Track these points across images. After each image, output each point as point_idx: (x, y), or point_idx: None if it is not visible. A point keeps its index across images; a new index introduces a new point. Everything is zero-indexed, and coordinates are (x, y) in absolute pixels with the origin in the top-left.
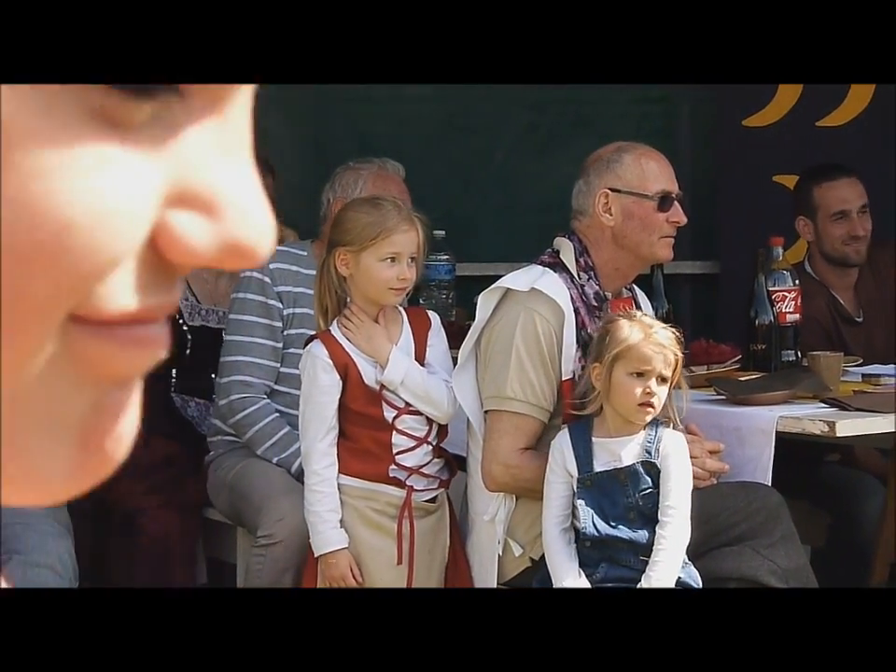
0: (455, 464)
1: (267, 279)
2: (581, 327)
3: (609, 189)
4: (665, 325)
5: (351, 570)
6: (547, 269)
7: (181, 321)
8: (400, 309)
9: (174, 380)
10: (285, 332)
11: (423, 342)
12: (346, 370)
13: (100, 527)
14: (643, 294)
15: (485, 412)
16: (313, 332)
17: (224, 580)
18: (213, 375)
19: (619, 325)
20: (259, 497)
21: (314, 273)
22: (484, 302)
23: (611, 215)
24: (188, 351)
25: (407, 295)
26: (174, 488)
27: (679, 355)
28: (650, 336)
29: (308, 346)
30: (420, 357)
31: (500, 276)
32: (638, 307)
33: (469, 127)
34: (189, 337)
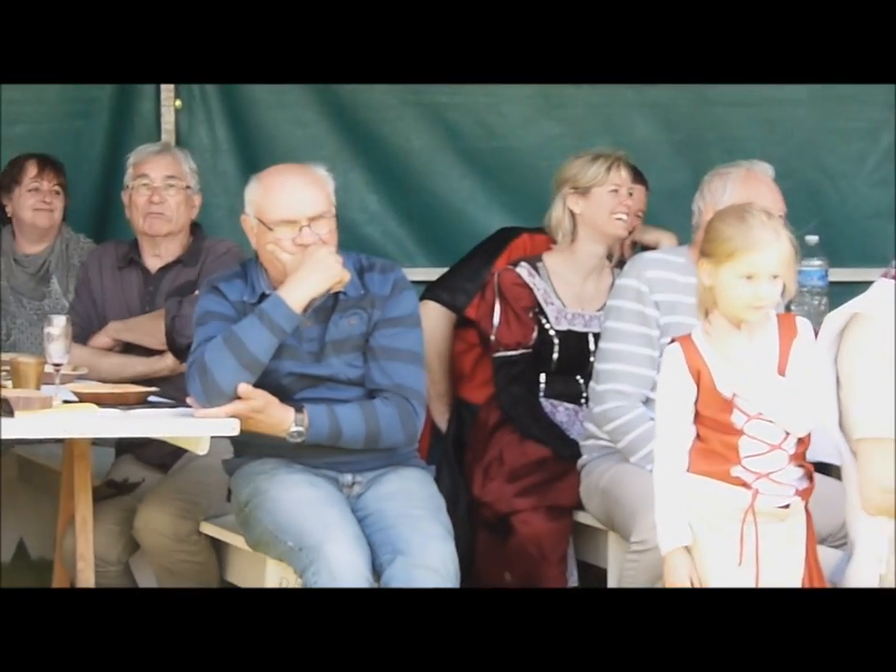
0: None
1: (644, 288)
2: None
3: None
4: None
5: (690, 573)
6: None
7: (548, 325)
8: (772, 313)
9: (543, 385)
10: (661, 340)
11: (787, 350)
12: (699, 375)
13: (473, 528)
14: None
15: (857, 439)
16: None
17: (595, 583)
18: (579, 378)
19: None
20: (633, 503)
21: (691, 280)
22: (833, 325)
23: None
24: (555, 356)
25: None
26: (545, 491)
27: None
28: None
29: (668, 348)
30: (782, 366)
31: (872, 282)
32: None
33: (841, 130)
34: (557, 342)
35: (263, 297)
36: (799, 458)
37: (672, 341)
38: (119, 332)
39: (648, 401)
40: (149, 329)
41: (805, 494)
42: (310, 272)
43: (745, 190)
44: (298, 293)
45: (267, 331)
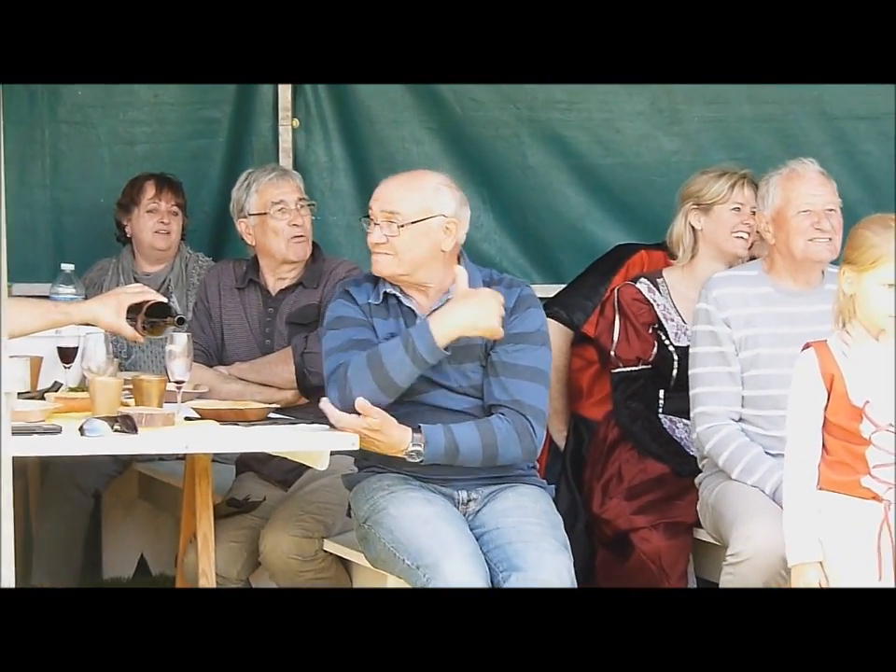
0: None
1: (712, 307)
2: None
3: None
4: None
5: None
6: None
7: (667, 342)
8: None
9: (662, 402)
10: (739, 355)
11: None
12: (832, 381)
13: (592, 546)
14: None
15: None
16: (770, 352)
17: None
18: None
19: None
20: (732, 516)
21: (764, 290)
22: None
23: None
24: (675, 372)
25: None
26: (664, 509)
27: None
28: None
29: (802, 353)
30: None
31: None
32: None
33: None
34: (676, 358)
35: (386, 296)
36: None
37: (807, 346)
38: (243, 373)
39: (741, 420)
40: (275, 370)
41: None
42: (468, 307)
43: (785, 190)
44: (448, 324)
45: (409, 360)
